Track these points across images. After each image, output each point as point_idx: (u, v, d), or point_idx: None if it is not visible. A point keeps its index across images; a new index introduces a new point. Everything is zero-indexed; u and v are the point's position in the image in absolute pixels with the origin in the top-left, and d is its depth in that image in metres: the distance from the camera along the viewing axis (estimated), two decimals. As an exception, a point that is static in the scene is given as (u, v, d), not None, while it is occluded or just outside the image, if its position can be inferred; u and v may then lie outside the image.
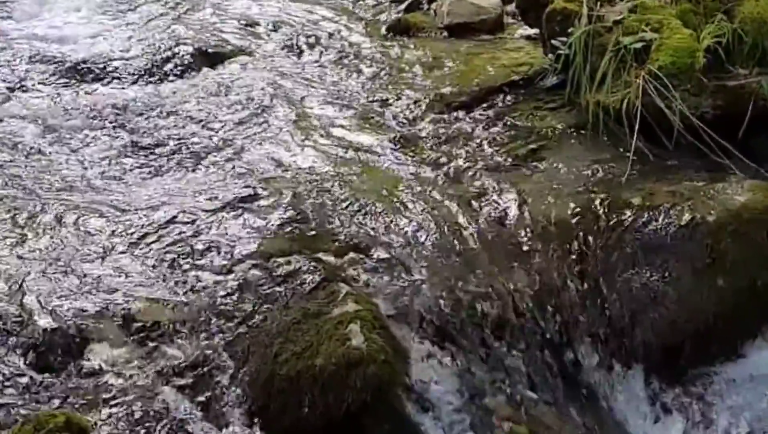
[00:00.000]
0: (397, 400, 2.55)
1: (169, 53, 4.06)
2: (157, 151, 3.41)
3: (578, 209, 3.01)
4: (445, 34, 4.30)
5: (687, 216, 2.88)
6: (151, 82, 3.87)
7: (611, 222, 2.94)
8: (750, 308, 2.84)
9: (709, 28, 3.28)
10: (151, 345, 2.57)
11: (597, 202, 3.01)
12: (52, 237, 2.91)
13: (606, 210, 2.97)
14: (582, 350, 2.81)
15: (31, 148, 3.43)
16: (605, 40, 3.39)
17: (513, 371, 2.75)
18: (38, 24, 4.35)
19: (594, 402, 2.79)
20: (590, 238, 2.92)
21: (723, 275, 2.80)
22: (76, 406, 2.35)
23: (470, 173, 3.25)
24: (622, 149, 3.23)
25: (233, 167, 3.29)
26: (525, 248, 2.94)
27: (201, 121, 3.59)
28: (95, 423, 2.29)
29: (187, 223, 2.97)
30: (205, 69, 3.99)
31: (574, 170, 3.21)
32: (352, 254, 2.86)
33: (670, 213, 2.90)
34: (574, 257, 2.90)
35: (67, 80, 3.87)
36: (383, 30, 4.37)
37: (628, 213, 2.94)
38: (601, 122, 3.32)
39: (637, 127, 3.19)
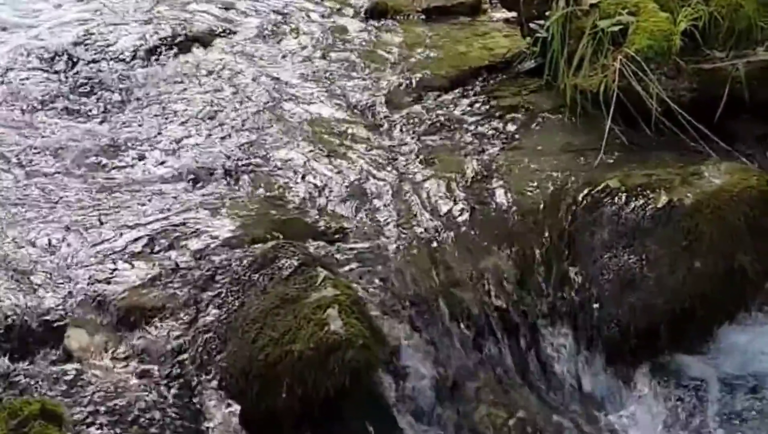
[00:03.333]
0: (376, 384, 2.55)
1: (146, 38, 4.03)
2: (133, 135, 3.39)
3: (555, 192, 3.01)
4: (423, 17, 4.29)
5: (664, 199, 2.89)
6: (126, 66, 3.84)
7: (588, 205, 2.94)
8: (726, 290, 2.85)
9: (685, 12, 3.28)
10: (128, 331, 2.55)
11: (574, 185, 3.02)
12: (25, 223, 2.88)
13: (583, 193, 2.97)
14: (559, 333, 2.82)
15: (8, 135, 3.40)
16: (582, 24, 3.39)
17: (491, 355, 2.76)
18: (9, 10, 4.31)
19: (571, 385, 2.80)
20: (567, 221, 2.93)
21: (700, 258, 2.81)
22: (52, 393, 2.33)
23: (447, 157, 3.25)
24: (599, 133, 3.23)
25: (210, 151, 3.28)
26: (502, 231, 2.94)
27: (178, 105, 3.57)
28: (71, 411, 2.27)
29: (164, 208, 2.96)
30: (182, 53, 3.97)
31: (552, 153, 3.22)
32: (330, 239, 2.86)
33: (646, 196, 2.91)
34: (551, 240, 2.91)
35: (45, 67, 3.83)
36: (361, 14, 4.35)
37: (605, 196, 2.94)
38: (579, 105, 3.33)
39: (613, 110, 3.20)
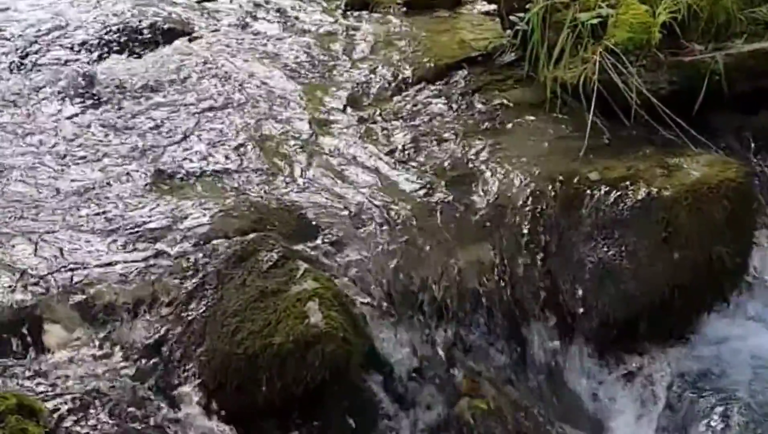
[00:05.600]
0: (356, 377, 2.55)
1: (125, 31, 4.01)
2: (111, 128, 3.37)
3: (535, 185, 3.02)
4: (404, 9, 4.29)
5: (643, 191, 2.90)
6: (105, 60, 3.82)
7: (568, 197, 2.95)
8: (705, 281, 2.87)
9: (664, 4, 3.29)
10: (106, 326, 2.54)
11: (554, 177, 3.02)
12: (3, 219, 2.86)
13: (563, 185, 2.98)
14: (538, 325, 2.83)
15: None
16: (562, 16, 3.40)
17: (472, 347, 2.77)
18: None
19: (550, 376, 2.81)
20: (547, 213, 2.94)
21: (678, 249, 2.83)
22: (29, 389, 2.31)
23: (428, 149, 3.25)
24: (579, 125, 3.24)
25: (189, 144, 3.26)
26: (482, 223, 2.94)
27: (157, 99, 3.55)
28: (48, 405, 2.25)
29: (143, 202, 2.94)
30: (160, 47, 3.95)
31: (532, 146, 3.22)
32: (310, 232, 2.85)
33: (626, 188, 2.92)
34: (530, 232, 2.91)
35: (26, 57, 3.81)
36: (342, 6, 4.34)
37: (585, 188, 2.95)
38: (559, 97, 3.33)
39: (593, 103, 3.20)
